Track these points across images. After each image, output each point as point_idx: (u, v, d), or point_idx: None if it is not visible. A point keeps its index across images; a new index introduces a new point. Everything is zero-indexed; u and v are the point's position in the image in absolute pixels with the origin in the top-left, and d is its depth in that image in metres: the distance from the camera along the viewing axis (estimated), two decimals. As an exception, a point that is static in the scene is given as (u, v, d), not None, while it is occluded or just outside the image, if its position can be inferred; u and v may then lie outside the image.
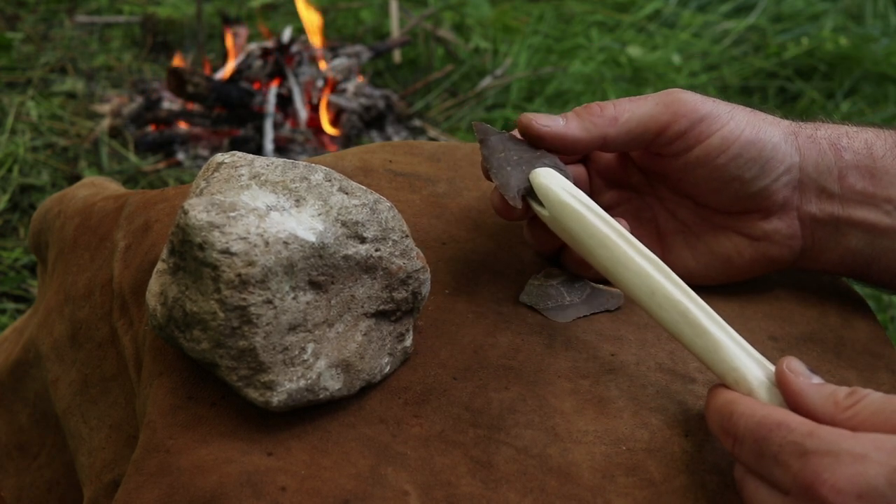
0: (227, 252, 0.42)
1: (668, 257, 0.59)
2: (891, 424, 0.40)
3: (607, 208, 0.60)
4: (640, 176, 0.60)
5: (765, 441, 0.41)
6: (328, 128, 1.88)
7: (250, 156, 0.49)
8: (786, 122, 0.57)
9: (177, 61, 1.93)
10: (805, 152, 0.56)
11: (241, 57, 1.96)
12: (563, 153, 0.57)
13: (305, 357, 0.45)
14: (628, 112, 0.55)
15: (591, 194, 0.59)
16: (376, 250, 0.47)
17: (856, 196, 0.56)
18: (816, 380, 0.43)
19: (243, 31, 2.03)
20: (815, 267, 0.60)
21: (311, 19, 2.02)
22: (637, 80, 2.18)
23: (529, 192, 0.54)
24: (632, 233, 0.54)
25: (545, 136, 0.55)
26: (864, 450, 0.38)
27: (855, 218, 0.56)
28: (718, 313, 0.48)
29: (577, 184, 0.56)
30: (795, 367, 0.44)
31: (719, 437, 0.45)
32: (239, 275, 0.42)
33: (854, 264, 0.58)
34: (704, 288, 0.56)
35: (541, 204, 0.53)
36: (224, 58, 2.02)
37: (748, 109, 0.56)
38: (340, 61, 2.00)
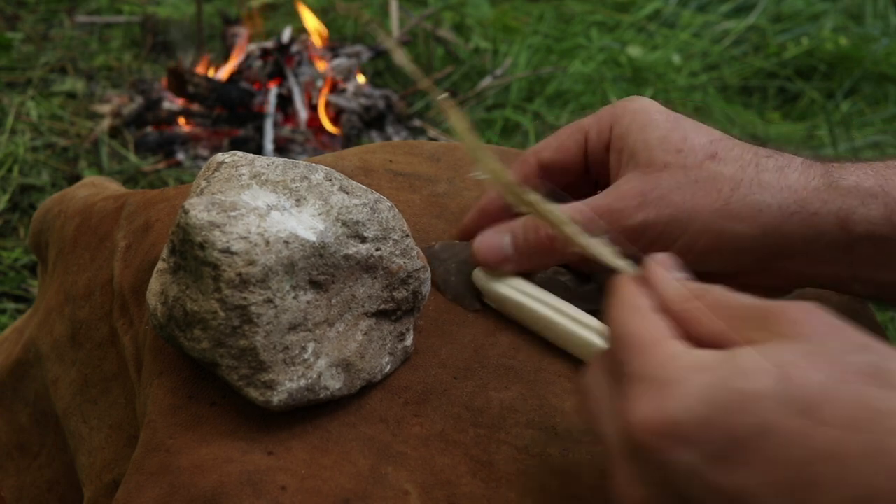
0: (227, 251, 0.42)
1: None
2: (731, 322, 0.37)
3: None
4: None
5: (619, 361, 0.38)
6: (329, 125, 1.88)
7: (251, 155, 0.49)
8: (791, 178, 0.50)
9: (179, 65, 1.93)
10: (806, 224, 0.50)
11: (242, 57, 1.96)
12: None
13: (306, 356, 0.45)
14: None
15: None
16: (377, 250, 0.47)
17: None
18: (680, 276, 0.40)
19: (243, 31, 2.03)
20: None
21: (314, 25, 2.02)
22: (637, 80, 2.18)
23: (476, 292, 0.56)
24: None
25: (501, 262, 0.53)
26: (676, 372, 0.35)
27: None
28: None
29: None
30: (661, 258, 0.41)
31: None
32: (239, 274, 0.42)
33: None
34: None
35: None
36: (225, 58, 2.02)
37: (742, 164, 0.50)
38: (340, 61, 2.00)
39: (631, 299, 0.40)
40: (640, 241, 0.50)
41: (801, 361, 0.34)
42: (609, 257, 0.43)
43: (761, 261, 0.51)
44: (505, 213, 0.55)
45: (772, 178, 0.50)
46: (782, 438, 0.33)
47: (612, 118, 0.56)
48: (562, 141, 0.57)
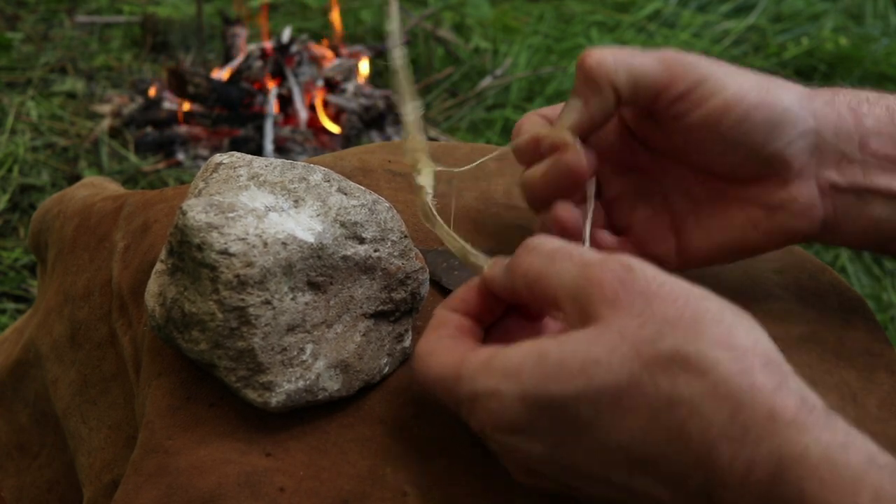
0: (225, 253, 0.42)
1: (682, 242, 0.56)
2: (537, 291, 0.41)
3: (615, 199, 0.58)
4: (646, 155, 0.57)
5: (442, 399, 0.41)
6: (330, 125, 1.88)
7: (249, 156, 0.49)
8: (799, 87, 0.54)
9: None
10: (822, 117, 0.52)
11: (242, 57, 1.96)
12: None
13: (304, 358, 0.45)
14: (627, 66, 0.51)
15: (598, 185, 0.57)
16: (375, 251, 0.47)
17: (879, 163, 0.53)
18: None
19: (243, 32, 2.03)
20: (838, 241, 0.56)
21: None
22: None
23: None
24: (644, 223, 0.55)
25: (581, 134, 0.53)
26: (494, 383, 0.38)
27: (879, 186, 0.53)
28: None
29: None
30: (497, 261, 0.44)
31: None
32: (237, 275, 0.42)
33: (878, 236, 0.55)
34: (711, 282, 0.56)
35: None
36: (225, 58, 2.02)
37: (756, 73, 0.53)
38: (340, 61, 2.00)
39: (431, 330, 0.44)
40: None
41: (606, 357, 0.36)
42: (469, 255, 0.47)
43: (780, 156, 0.53)
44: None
45: (786, 84, 0.54)
46: (599, 431, 0.37)
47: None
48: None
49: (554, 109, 0.56)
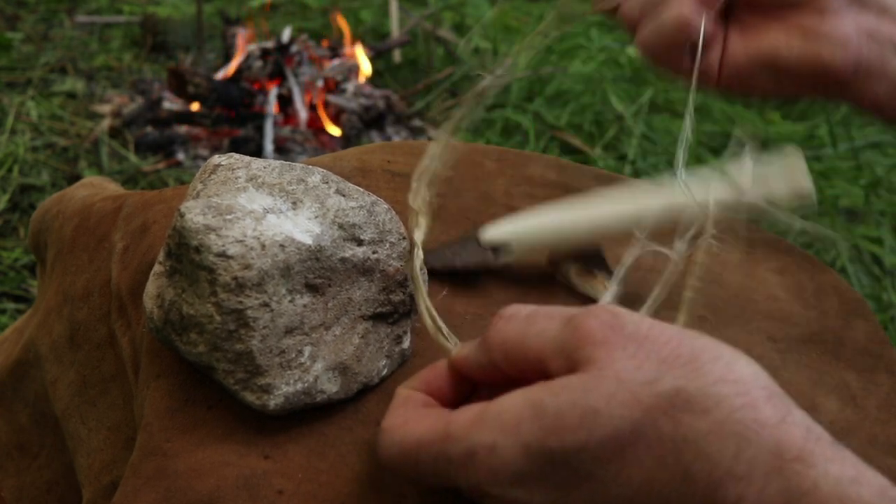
0: (223, 255, 0.42)
1: (726, 51, 0.57)
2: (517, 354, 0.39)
3: None
4: None
5: (423, 465, 0.39)
6: (331, 127, 1.88)
7: (247, 157, 0.49)
8: None
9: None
10: None
11: (242, 57, 1.96)
12: None
13: (302, 360, 0.45)
14: None
15: None
16: (373, 252, 0.47)
17: None
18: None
19: (243, 32, 2.03)
20: (867, 94, 0.56)
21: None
22: (637, 81, 2.18)
23: (493, 249, 0.58)
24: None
25: None
26: (491, 438, 0.36)
27: None
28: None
29: None
30: (465, 344, 0.43)
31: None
32: (235, 278, 0.42)
33: None
34: (712, 281, 0.55)
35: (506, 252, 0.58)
36: (225, 58, 2.02)
37: None
38: (340, 61, 2.00)
39: (396, 407, 0.42)
40: None
41: (605, 406, 0.35)
42: (440, 335, 0.46)
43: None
44: None
45: None
46: (601, 484, 0.35)
47: None
48: None
49: None
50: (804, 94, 0.58)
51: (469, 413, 0.38)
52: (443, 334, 0.46)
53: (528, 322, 0.40)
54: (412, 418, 0.40)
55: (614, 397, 0.35)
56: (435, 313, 0.46)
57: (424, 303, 0.47)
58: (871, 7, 0.55)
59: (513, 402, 0.37)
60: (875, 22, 0.55)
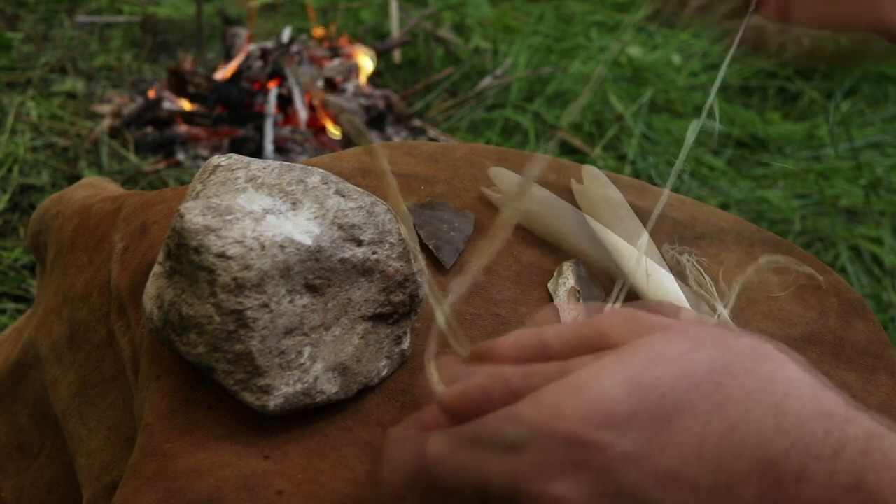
0: (222, 256, 0.42)
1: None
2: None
3: None
4: None
5: (486, 400, 0.38)
6: (329, 125, 1.88)
7: (247, 158, 0.49)
8: None
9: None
10: None
11: (242, 57, 1.96)
12: None
13: (302, 360, 0.44)
14: None
15: None
16: (373, 253, 0.47)
17: None
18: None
19: (243, 32, 2.03)
20: None
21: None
22: (637, 80, 2.18)
23: None
24: None
25: None
26: (592, 372, 0.36)
27: None
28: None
29: None
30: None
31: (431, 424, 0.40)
32: (235, 278, 0.42)
33: None
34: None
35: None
36: (225, 57, 2.02)
37: None
38: (340, 61, 2.00)
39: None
40: None
41: (690, 348, 0.36)
42: (449, 337, 0.45)
43: None
44: None
45: None
46: (700, 415, 0.35)
47: None
48: None
49: None
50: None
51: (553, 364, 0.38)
52: (455, 340, 0.45)
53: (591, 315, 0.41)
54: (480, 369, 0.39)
55: (703, 342, 0.37)
56: (453, 319, 0.45)
57: (444, 314, 0.45)
58: None
59: (605, 357, 0.37)
60: None
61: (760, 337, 0.38)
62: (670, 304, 0.40)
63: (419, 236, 0.60)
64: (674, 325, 0.38)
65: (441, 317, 0.45)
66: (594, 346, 0.39)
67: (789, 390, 0.36)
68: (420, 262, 0.45)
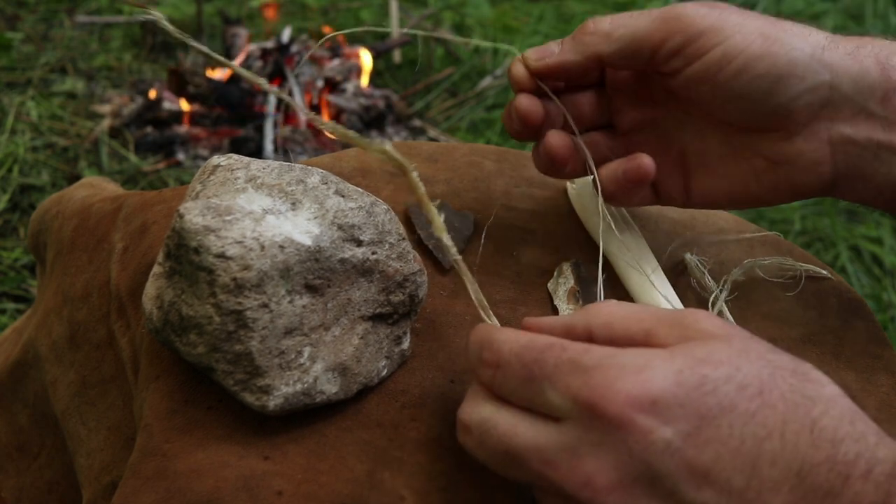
0: (222, 256, 0.42)
1: (689, 182, 0.56)
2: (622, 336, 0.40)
3: (629, 131, 0.58)
4: (661, 93, 0.56)
5: (536, 363, 0.38)
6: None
7: (247, 158, 0.49)
8: (818, 36, 0.51)
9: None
10: (841, 69, 0.50)
11: (242, 57, 1.96)
12: (566, 81, 0.56)
13: (302, 361, 0.45)
14: (622, 27, 0.52)
15: (613, 114, 0.58)
16: (373, 253, 0.47)
17: None
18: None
19: (244, 32, 2.03)
20: (851, 197, 0.54)
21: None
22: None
23: None
24: (654, 157, 0.55)
25: (543, 71, 0.54)
26: (645, 360, 0.37)
27: None
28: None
29: (585, 116, 0.57)
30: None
31: (477, 368, 0.41)
32: (234, 279, 0.42)
33: (895, 196, 0.52)
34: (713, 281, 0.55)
35: None
36: (226, 58, 2.02)
37: (770, 20, 0.51)
38: (340, 61, 2.00)
39: (515, 331, 0.41)
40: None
41: (736, 356, 0.38)
42: (482, 312, 0.46)
43: (809, 109, 0.51)
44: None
45: (801, 33, 0.52)
46: (741, 417, 0.36)
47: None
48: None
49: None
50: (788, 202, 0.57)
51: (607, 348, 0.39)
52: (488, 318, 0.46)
53: (631, 306, 0.42)
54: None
55: (749, 353, 0.38)
56: (485, 302, 0.46)
57: (475, 294, 0.46)
58: (845, 110, 0.51)
59: (657, 350, 0.38)
60: (849, 127, 0.51)
61: (800, 358, 0.39)
62: (714, 316, 0.40)
63: (419, 237, 0.60)
64: (720, 334, 0.39)
65: (474, 294, 0.46)
66: (638, 344, 0.39)
67: (826, 409, 0.37)
68: (455, 254, 0.45)
